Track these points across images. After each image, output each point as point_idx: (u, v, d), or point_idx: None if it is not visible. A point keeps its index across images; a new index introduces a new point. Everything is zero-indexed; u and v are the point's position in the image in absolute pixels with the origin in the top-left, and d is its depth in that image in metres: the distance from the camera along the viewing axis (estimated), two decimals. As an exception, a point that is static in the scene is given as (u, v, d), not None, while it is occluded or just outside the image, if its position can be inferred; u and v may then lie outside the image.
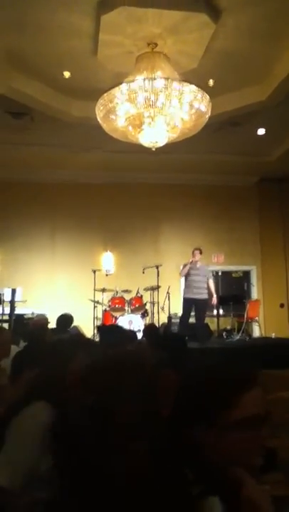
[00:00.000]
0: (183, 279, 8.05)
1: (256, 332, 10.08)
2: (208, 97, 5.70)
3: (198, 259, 7.69)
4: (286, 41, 5.98)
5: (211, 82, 6.66)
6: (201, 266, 7.70)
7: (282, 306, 10.64)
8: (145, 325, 7.93)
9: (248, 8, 5.30)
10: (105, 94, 5.37)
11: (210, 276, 7.84)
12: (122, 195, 10.33)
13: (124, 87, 5.22)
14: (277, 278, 10.74)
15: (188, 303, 7.67)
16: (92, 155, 9.02)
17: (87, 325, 8.35)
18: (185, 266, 7.70)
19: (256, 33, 5.80)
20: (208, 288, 7.76)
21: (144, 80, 5.18)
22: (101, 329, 6.71)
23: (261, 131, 8.35)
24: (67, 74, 6.13)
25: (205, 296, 7.65)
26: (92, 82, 6.58)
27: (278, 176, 10.54)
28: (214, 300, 7.94)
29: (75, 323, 8.45)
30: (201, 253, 7.77)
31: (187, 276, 7.63)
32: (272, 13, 5.36)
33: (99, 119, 5.66)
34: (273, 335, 9.80)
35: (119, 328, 4.03)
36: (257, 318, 9.81)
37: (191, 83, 5.55)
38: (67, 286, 9.77)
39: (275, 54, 6.28)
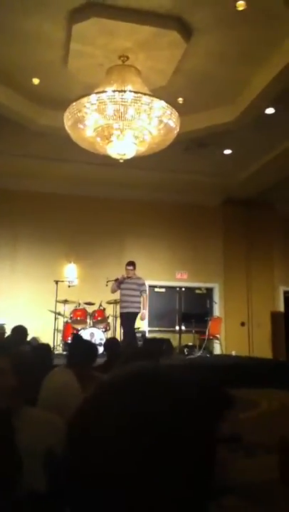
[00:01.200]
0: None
1: (217, 349, 10.13)
2: (177, 113, 5.78)
3: (132, 274, 7.59)
4: (255, 65, 6.17)
5: (180, 100, 6.79)
6: (133, 280, 7.55)
7: (243, 324, 10.77)
8: (107, 339, 7.81)
9: (220, 31, 5.46)
10: (74, 103, 5.37)
11: (143, 290, 7.58)
12: (88, 208, 10.28)
13: (93, 97, 5.23)
14: (239, 297, 10.88)
15: (121, 317, 7.61)
16: (60, 166, 8.97)
17: (47, 337, 8.15)
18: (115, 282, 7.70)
19: (227, 56, 5.97)
20: (142, 302, 7.58)
21: (114, 91, 5.21)
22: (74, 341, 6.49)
23: (227, 151, 8.52)
24: (36, 81, 6.10)
25: (133, 309, 7.43)
26: (62, 91, 6.58)
27: (243, 197, 10.76)
28: (143, 314, 7.66)
29: (34, 335, 8.28)
30: (134, 267, 7.65)
31: (120, 290, 7.58)
32: (242, 37, 5.54)
33: (67, 128, 5.64)
34: (234, 352, 9.88)
35: (89, 343, 3.91)
36: (218, 335, 9.88)
37: (160, 99, 5.63)
38: (27, 296, 9.55)
39: (245, 77, 6.47)
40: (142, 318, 7.78)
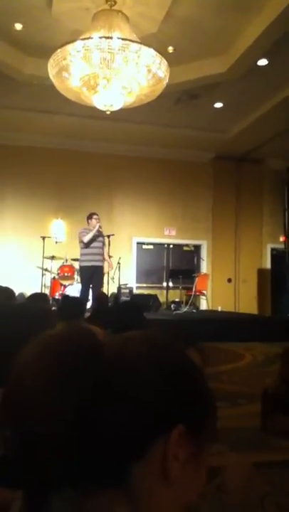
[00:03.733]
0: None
1: (203, 305, 10.28)
2: (166, 62, 5.57)
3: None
4: (249, 15, 5.91)
5: (170, 49, 6.53)
6: (101, 232, 7.21)
7: (229, 281, 10.89)
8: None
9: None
10: (59, 50, 5.12)
11: (104, 242, 7.37)
12: (77, 162, 10.06)
13: (79, 44, 4.99)
14: (227, 254, 10.94)
15: (89, 271, 7.06)
16: (46, 118, 8.68)
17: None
18: (87, 232, 7.02)
19: (219, 3, 5.70)
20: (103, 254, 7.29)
21: (101, 38, 4.97)
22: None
23: (219, 105, 8.31)
24: (18, 26, 5.79)
25: (102, 263, 7.18)
26: (46, 38, 6.26)
27: (233, 154, 10.61)
28: (110, 265, 7.56)
29: (22, 290, 8.28)
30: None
31: (89, 243, 7.02)
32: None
33: (51, 76, 5.42)
34: (220, 308, 10.05)
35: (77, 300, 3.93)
36: (205, 291, 10.01)
37: (149, 47, 5.39)
38: (14, 252, 9.48)
39: (238, 26, 6.21)
40: (110, 269, 7.74)
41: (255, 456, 1.83)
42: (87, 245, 7.00)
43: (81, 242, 7.03)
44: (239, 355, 5.41)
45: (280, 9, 5.53)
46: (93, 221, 7.13)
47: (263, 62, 6.75)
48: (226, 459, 0.98)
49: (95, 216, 7.18)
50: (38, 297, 4.21)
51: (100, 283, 7.20)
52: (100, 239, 7.16)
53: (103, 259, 7.19)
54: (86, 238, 6.96)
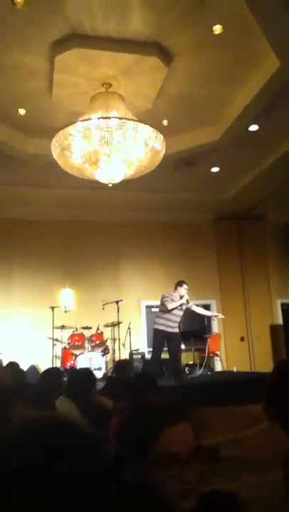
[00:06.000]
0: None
1: (218, 366, 10.07)
2: (162, 136, 5.89)
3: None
4: (236, 85, 6.31)
5: (165, 122, 6.92)
6: (188, 302, 7.24)
7: (242, 339, 10.74)
8: (115, 361, 7.59)
9: (199, 54, 5.60)
10: (60, 132, 5.45)
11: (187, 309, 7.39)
12: (81, 232, 10.32)
13: (79, 125, 5.32)
14: (237, 312, 10.87)
15: (162, 336, 7.13)
16: (50, 192, 9.03)
17: (45, 364, 8.10)
18: (171, 299, 7.11)
19: (207, 77, 6.10)
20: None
21: (99, 118, 5.30)
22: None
23: (215, 169, 8.64)
24: (22, 111, 6.20)
25: (178, 330, 7.24)
26: (48, 120, 6.68)
27: (234, 213, 10.87)
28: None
29: (33, 362, 8.21)
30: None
31: (175, 310, 7.11)
32: (221, 58, 5.67)
33: (55, 156, 5.72)
34: (235, 369, 9.82)
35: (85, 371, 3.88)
36: (218, 352, 9.85)
37: (145, 123, 5.73)
38: (24, 324, 9.48)
39: (226, 96, 6.60)
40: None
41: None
42: (168, 311, 7.06)
43: (162, 305, 7.11)
44: (258, 418, 5.23)
45: (266, 79, 5.89)
46: (182, 290, 7.19)
47: (253, 127, 7.10)
48: None
49: (185, 286, 7.24)
50: (51, 374, 4.20)
51: (175, 349, 7.18)
52: (183, 307, 7.19)
53: (179, 327, 7.23)
54: (171, 306, 7.03)
